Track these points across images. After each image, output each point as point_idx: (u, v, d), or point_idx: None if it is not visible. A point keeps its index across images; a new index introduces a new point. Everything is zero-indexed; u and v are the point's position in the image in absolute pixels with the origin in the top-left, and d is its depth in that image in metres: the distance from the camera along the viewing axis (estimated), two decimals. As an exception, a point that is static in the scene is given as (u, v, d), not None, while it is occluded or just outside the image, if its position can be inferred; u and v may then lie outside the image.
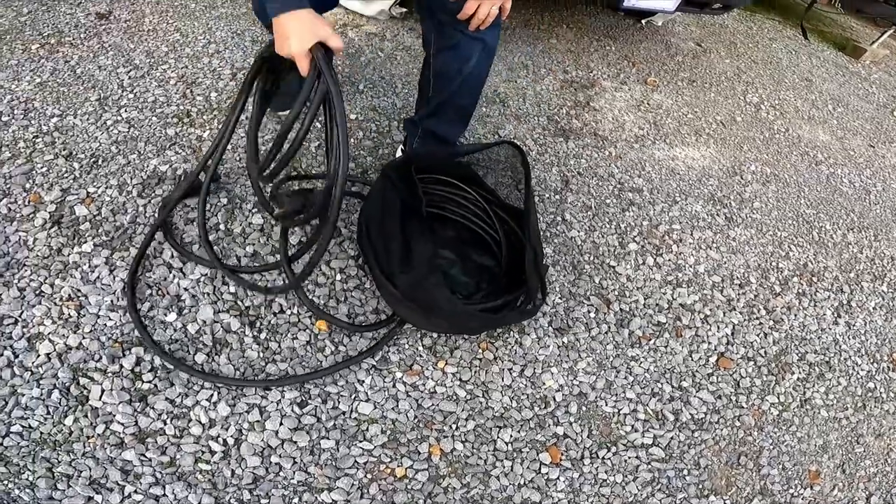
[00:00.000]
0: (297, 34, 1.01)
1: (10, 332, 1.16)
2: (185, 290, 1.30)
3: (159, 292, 1.29)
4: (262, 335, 1.28)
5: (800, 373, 1.64)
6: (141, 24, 2.14)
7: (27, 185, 1.42)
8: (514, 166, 1.51)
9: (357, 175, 1.69)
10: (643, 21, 3.35)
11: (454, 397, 1.30)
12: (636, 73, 2.79)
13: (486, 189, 1.53)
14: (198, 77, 1.92)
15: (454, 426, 1.26)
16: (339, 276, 1.43)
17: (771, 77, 3.39)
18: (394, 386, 1.28)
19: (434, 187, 1.50)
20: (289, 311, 1.33)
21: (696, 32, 3.62)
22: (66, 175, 1.47)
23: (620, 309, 1.58)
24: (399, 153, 1.76)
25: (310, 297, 1.36)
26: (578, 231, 1.76)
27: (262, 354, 1.25)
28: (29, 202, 1.39)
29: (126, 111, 1.70)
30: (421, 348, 1.35)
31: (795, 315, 1.80)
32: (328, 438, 1.17)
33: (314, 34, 1.01)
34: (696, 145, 2.40)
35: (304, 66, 1.03)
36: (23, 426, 1.05)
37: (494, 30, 1.35)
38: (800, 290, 1.89)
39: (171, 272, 1.32)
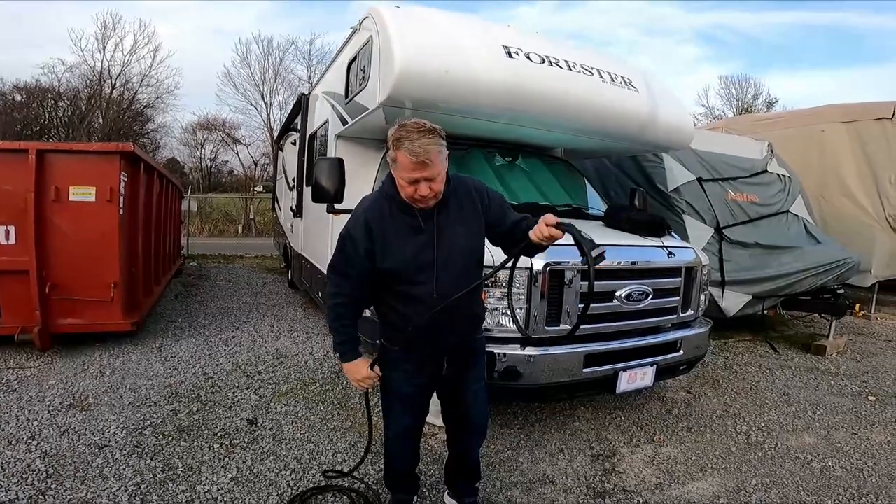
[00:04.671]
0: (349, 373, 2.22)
1: None
2: None
3: None
4: None
5: None
6: (309, 435, 3.39)
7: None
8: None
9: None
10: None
11: None
12: (644, 435, 3.72)
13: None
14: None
15: None
16: None
17: (753, 403, 4.30)
18: None
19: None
20: None
21: (685, 380, 4.66)
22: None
23: None
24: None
25: None
26: (629, 561, 2.44)
27: None
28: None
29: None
30: None
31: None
32: None
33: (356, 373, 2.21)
34: (704, 478, 3.17)
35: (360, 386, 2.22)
36: None
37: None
38: (819, 557, 2.40)
39: None
